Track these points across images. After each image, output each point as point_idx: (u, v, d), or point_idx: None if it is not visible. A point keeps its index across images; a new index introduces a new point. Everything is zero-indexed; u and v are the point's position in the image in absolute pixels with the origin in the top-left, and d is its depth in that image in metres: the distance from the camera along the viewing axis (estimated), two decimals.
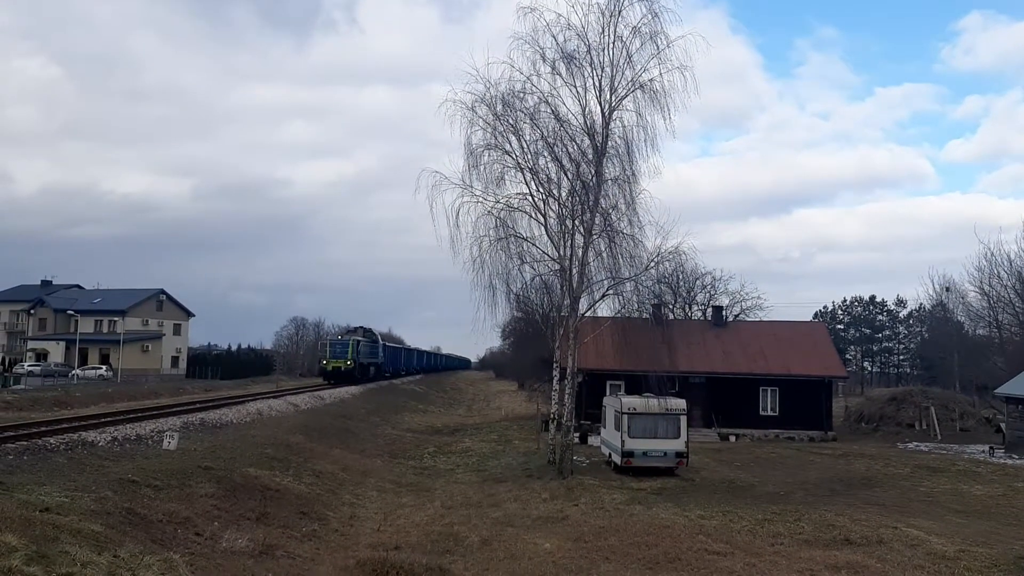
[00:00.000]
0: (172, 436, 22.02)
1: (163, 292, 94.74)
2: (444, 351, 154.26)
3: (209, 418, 27.90)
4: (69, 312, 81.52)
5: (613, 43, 27.57)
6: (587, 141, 27.93)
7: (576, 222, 28.19)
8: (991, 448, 37.83)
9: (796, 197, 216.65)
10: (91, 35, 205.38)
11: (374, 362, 68.47)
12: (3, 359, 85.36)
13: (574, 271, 27.99)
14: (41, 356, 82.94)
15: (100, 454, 18.99)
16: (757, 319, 60.58)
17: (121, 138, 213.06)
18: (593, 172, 27.79)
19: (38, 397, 38.45)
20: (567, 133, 28.05)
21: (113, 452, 19.56)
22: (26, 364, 75.93)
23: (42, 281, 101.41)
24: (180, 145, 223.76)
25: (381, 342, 74.41)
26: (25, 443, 18.17)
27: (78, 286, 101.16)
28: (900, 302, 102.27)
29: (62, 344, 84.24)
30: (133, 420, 24.49)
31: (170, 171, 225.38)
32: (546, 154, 28.36)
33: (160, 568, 11.72)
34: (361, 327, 69.10)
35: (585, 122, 27.87)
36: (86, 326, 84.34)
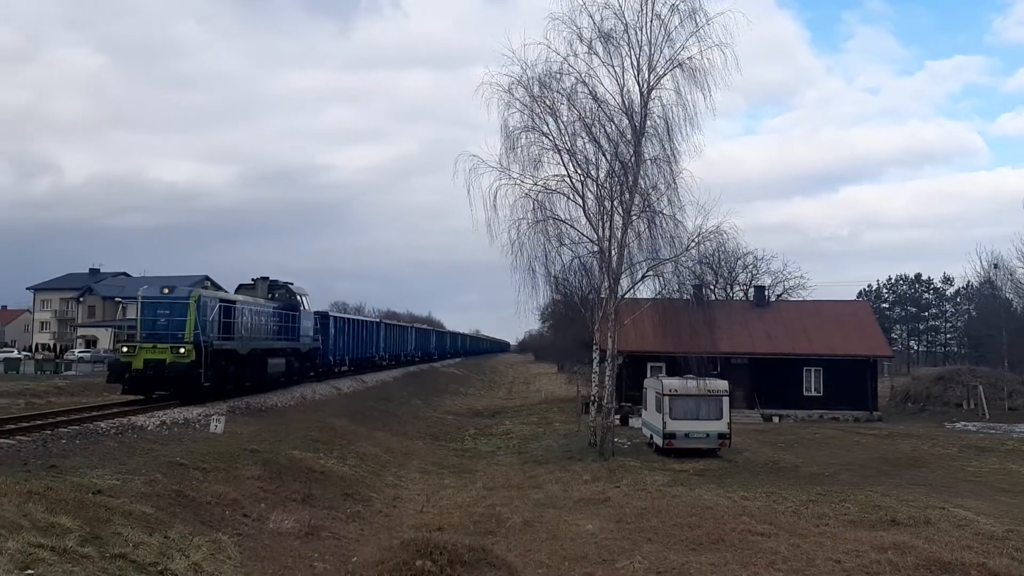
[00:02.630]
0: (219, 420, 22.37)
1: (207, 279, 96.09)
2: (484, 334, 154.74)
3: (254, 402, 28.29)
4: (117, 299, 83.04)
5: (651, 21, 27.36)
6: (625, 121, 27.76)
7: (615, 203, 28.06)
8: None
9: (843, 174, 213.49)
10: (136, 24, 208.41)
11: (291, 347, 34.36)
12: (54, 346, 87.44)
13: (613, 252, 27.88)
14: (90, 343, 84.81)
15: (149, 438, 19.38)
16: (800, 299, 59.81)
17: (166, 126, 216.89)
18: (632, 152, 27.62)
19: (88, 383, 39.28)
20: (605, 113, 27.91)
21: (162, 436, 19.95)
22: (76, 350, 77.69)
23: (90, 269, 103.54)
24: (224, 132, 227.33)
25: (311, 310, 37.55)
26: (77, 427, 18.60)
27: (125, 274, 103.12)
28: (947, 280, 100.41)
29: (111, 330, 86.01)
30: (180, 404, 24.91)
31: (214, 159, 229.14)
32: (584, 135, 28.26)
33: (209, 549, 11.97)
34: (265, 278, 35.09)
35: (623, 102, 27.69)
36: (133, 313, 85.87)
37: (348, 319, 47.74)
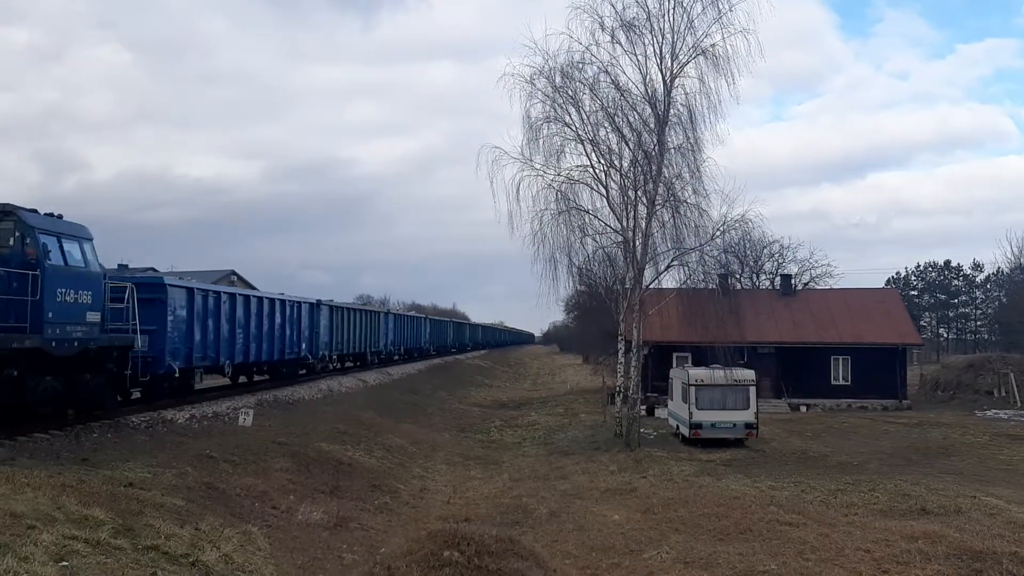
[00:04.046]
0: (247, 413, 22.56)
1: (234, 273, 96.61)
2: (508, 325, 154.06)
3: (282, 395, 28.52)
4: None
5: (673, 9, 27.20)
6: (648, 110, 27.60)
7: (639, 193, 27.94)
8: None
9: (871, 160, 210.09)
10: (163, 20, 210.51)
11: (5, 347, 14.78)
12: None
13: (637, 242, 27.77)
14: None
15: (179, 431, 19.59)
16: (827, 287, 59.33)
17: (193, 122, 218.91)
18: (655, 141, 27.47)
19: None
20: (628, 102, 27.76)
21: (191, 429, 20.16)
22: None
23: (118, 265, 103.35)
24: (250, 128, 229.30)
25: (98, 268, 18.05)
26: (108, 422, 18.83)
27: (153, 269, 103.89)
28: (977, 266, 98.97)
29: None
30: (209, 398, 25.15)
31: (240, 154, 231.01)
32: (607, 125, 28.13)
33: (239, 540, 12.10)
34: None
35: (646, 91, 27.54)
36: None
37: (222, 293, 25.85)
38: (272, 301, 30.08)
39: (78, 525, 10.31)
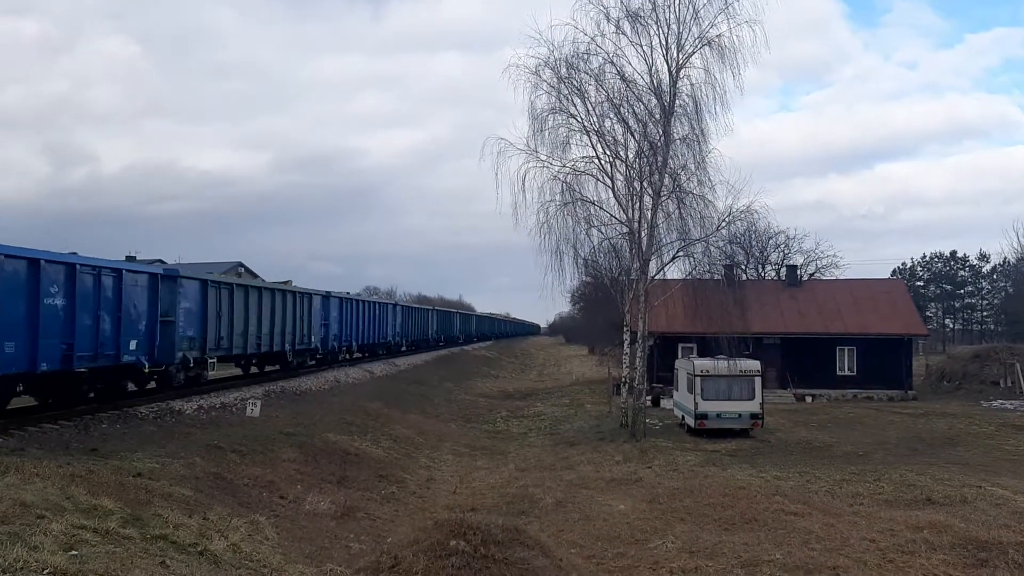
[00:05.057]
0: (255, 404, 22.65)
1: (241, 265, 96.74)
2: (514, 316, 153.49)
3: (289, 386, 28.62)
4: None
5: None
6: (654, 101, 27.59)
7: (644, 184, 27.93)
8: None
9: (879, 151, 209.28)
10: (170, 12, 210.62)
11: None
12: None
13: (643, 233, 27.77)
14: None
15: (187, 422, 19.69)
16: (833, 278, 59.24)
17: (200, 114, 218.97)
18: (661, 132, 27.45)
19: None
20: (633, 93, 27.74)
21: (199, 420, 20.25)
22: None
23: (126, 257, 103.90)
24: (257, 120, 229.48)
25: None
26: (117, 412, 18.93)
27: (160, 261, 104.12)
28: (983, 257, 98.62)
29: None
30: (217, 389, 25.25)
31: (248, 146, 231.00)
32: (612, 116, 28.14)
33: (247, 530, 12.18)
34: None
35: (652, 81, 27.52)
36: None
37: None
38: None
39: (87, 515, 10.38)
